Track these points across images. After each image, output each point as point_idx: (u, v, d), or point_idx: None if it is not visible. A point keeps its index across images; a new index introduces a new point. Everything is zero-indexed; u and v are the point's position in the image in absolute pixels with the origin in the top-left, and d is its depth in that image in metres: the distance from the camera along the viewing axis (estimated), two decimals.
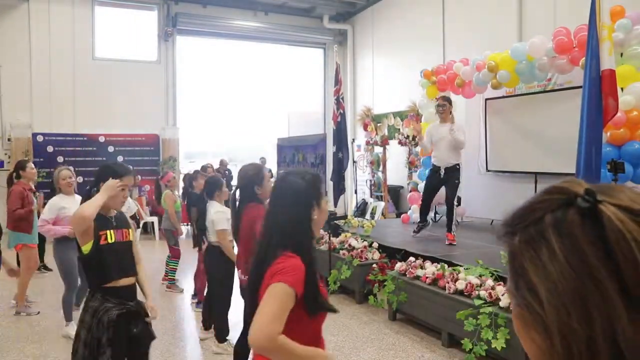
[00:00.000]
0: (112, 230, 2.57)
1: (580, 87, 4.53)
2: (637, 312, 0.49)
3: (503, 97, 7.27)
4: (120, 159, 10.81)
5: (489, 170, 7.61)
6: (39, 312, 5.24)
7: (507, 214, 0.60)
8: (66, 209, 4.39)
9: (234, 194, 3.41)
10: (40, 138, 10.39)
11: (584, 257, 0.51)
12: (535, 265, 0.54)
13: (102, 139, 10.91)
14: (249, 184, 3.27)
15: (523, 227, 0.57)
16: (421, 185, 7.85)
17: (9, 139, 10.18)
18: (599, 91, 4.09)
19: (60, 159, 10.23)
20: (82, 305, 2.56)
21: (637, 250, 0.49)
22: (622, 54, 5.03)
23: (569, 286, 0.51)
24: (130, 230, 2.74)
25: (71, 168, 4.83)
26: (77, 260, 4.50)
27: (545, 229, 0.54)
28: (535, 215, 0.56)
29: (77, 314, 4.56)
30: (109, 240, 2.54)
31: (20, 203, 5.12)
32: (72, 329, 4.42)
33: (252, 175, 3.29)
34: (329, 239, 6.11)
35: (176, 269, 6.22)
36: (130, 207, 5.88)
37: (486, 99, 7.49)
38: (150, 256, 7.89)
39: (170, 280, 6.20)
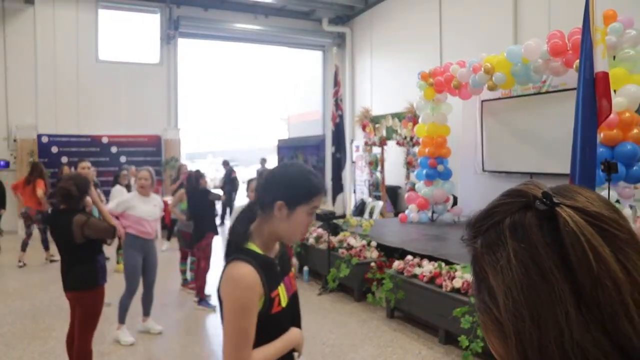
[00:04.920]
0: (283, 285, 1.54)
1: (574, 89, 4.58)
2: (589, 313, 0.48)
3: (499, 98, 7.37)
4: (123, 159, 10.94)
5: (485, 171, 7.70)
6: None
7: (471, 218, 0.60)
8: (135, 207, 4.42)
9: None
10: (45, 139, 10.53)
11: (539, 259, 0.50)
12: (494, 269, 0.53)
13: (105, 140, 11.06)
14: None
15: (484, 230, 0.57)
16: (419, 185, 7.94)
17: (14, 140, 10.33)
18: (593, 93, 4.12)
19: (64, 159, 10.37)
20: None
21: (590, 252, 0.49)
22: (614, 57, 5.11)
23: (524, 289, 0.50)
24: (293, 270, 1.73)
25: (150, 168, 4.63)
26: (141, 263, 4.46)
27: (504, 232, 0.54)
28: (495, 218, 0.56)
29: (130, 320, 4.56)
30: (283, 304, 1.51)
31: None
32: (123, 334, 4.42)
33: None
34: (328, 237, 6.18)
35: (184, 270, 6.32)
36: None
37: (482, 101, 7.59)
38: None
39: (184, 280, 6.31)
